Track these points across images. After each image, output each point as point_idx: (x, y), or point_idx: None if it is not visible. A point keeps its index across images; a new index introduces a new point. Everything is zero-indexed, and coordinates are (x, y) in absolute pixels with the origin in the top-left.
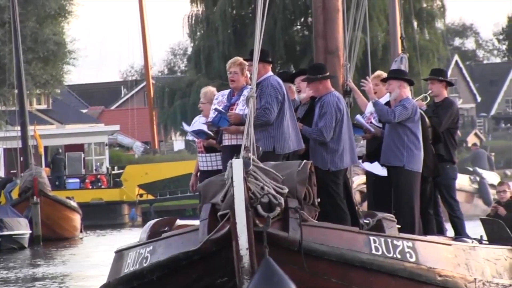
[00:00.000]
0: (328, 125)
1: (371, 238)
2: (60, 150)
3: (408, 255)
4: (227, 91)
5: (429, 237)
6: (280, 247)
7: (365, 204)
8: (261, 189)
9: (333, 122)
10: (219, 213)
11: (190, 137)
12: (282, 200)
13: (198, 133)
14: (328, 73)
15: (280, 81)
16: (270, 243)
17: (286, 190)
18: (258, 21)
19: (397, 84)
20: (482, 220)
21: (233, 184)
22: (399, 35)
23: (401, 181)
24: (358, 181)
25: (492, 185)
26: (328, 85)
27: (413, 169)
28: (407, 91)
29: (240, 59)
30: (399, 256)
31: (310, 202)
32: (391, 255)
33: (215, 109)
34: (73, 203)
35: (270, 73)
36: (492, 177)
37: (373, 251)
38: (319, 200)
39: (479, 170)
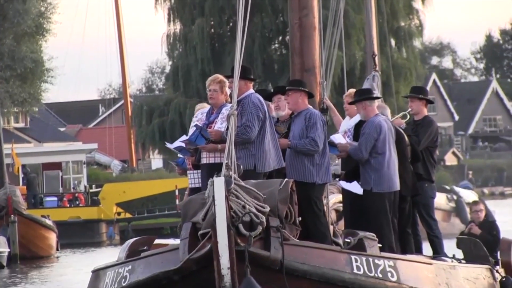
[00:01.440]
0: (320, 135)
1: (353, 257)
2: (29, 169)
3: (389, 274)
4: (206, 109)
5: (409, 256)
6: (261, 266)
7: (341, 223)
8: (243, 207)
9: (322, 133)
10: (200, 232)
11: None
12: (264, 219)
13: (180, 150)
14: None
15: (262, 99)
16: (252, 262)
17: (267, 209)
18: (238, 37)
19: (361, 105)
20: (460, 239)
21: (215, 202)
22: (375, 53)
23: (369, 204)
24: (333, 199)
25: (469, 204)
26: (306, 101)
27: (382, 190)
28: (372, 109)
29: (220, 76)
30: (380, 276)
31: (291, 221)
32: (372, 274)
33: (196, 126)
34: (48, 222)
35: (252, 90)
36: (469, 195)
37: (355, 270)
38: (300, 218)
39: (456, 189)
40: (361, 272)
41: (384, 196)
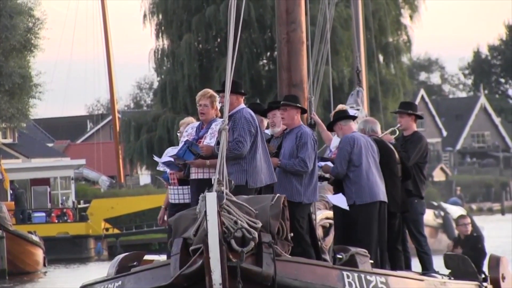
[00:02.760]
0: (310, 155)
1: (345, 273)
2: (17, 185)
3: None
4: (196, 124)
5: (401, 273)
6: (253, 282)
7: (327, 239)
8: (235, 223)
9: (313, 153)
10: (191, 248)
11: (161, 168)
12: (256, 235)
13: (169, 164)
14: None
15: (253, 113)
16: (244, 278)
17: (259, 225)
18: (229, 51)
19: (337, 127)
20: (448, 256)
21: (207, 218)
22: (359, 68)
23: (355, 217)
24: (320, 215)
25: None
26: (299, 118)
27: (365, 202)
28: (348, 128)
29: (210, 91)
30: None
31: (283, 236)
32: None
33: (186, 141)
34: (35, 237)
35: (243, 105)
36: (457, 211)
37: (347, 287)
38: (292, 234)
39: (444, 205)
40: None
41: (368, 207)
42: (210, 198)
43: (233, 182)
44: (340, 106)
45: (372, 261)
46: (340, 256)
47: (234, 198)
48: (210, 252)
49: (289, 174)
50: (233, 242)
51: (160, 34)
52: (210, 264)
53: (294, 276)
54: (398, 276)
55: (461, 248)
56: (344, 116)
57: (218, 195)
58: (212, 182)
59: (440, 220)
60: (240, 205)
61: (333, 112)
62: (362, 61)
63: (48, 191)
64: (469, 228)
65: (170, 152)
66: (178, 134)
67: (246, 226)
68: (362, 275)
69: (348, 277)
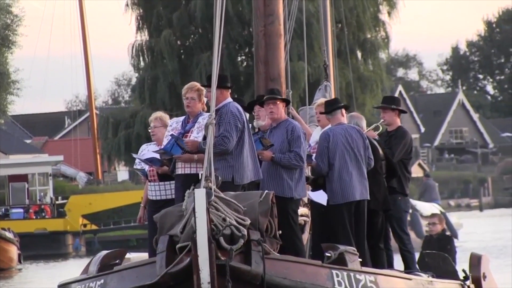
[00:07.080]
0: (304, 149)
1: (334, 272)
2: None
3: None
4: (181, 118)
5: (389, 271)
6: (242, 281)
7: (303, 237)
8: (223, 220)
9: (305, 147)
10: (178, 245)
11: (138, 166)
12: (245, 232)
13: (151, 160)
14: None
15: (240, 108)
16: (232, 277)
17: (248, 222)
18: (215, 45)
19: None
20: (427, 254)
21: (195, 215)
22: (326, 62)
23: (328, 217)
24: None
25: (425, 217)
26: (283, 112)
27: (337, 202)
28: (333, 119)
29: (198, 84)
30: None
31: (271, 234)
32: None
33: (171, 135)
34: (8, 234)
35: (230, 99)
36: (429, 208)
37: (336, 286)
38: (280, 232)
39: (413, 202)
40: (343, 287)
41: (339, 208)
42: (199, 195)
43: (220, 178)
44: (323, 99)
45: (361, 260)
46: (329, 255)
47: (222, 195)
48: (198, 250)
49: (280, 169)
50: (221, 239)
51: (140, 29)
52: (198, 262)
53: (283, 275)
54: (387, 275)
55: (432, 247)
56: (327, 111)
57: (207, 191)
58: (200, 178)
59: (408, 218)
60: (229, 202)
61: (318, 103)
62: (330, 56)
63: (26, 187)
64: (437, 227)
65: (145, 149)
66: (149, 130)
67: (234, 223)
68: (352, 274)
69: (337, 275)
